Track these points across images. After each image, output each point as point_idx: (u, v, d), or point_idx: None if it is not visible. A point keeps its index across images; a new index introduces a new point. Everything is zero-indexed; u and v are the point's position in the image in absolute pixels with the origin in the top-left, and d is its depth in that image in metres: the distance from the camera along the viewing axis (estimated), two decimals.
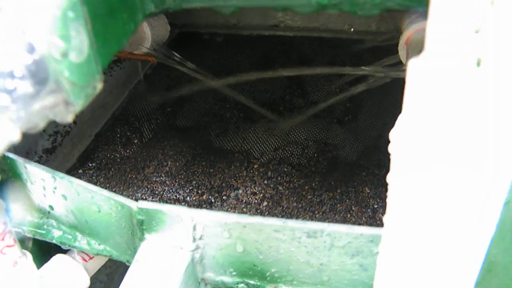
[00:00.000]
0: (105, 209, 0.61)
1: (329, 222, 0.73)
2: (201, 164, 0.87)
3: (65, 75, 0.33)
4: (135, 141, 0.96)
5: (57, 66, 0.32)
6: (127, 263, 0.65)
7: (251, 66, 1.16)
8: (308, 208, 0.77)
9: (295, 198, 0.79)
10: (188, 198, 0.80)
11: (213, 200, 0.80)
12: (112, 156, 0.92)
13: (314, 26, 1.27)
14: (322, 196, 0.79)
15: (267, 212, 0.77)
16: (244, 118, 1.00)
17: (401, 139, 0.33)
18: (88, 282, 0.73)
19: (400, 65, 0.84)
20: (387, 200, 0.37)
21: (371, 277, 0.53)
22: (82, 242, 0.69)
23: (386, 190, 0.37)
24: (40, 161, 0.91)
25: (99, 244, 0.68)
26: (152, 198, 0.81)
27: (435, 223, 0.35)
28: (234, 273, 0.59)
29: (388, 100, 1.01)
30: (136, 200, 0.58)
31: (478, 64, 0.28)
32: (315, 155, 0.89)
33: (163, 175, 0.85)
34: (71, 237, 0.70)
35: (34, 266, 0.62)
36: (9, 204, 0.72)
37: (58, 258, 0.72)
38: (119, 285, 0.56)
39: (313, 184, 0.81)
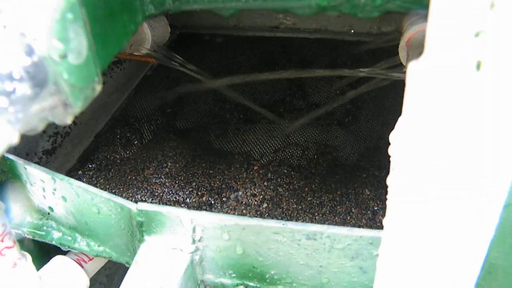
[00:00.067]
0: (105, 210, 0.61)
1: (329, 224, 0.73)
2: (201, 166, 0.87)
3: (64, 77, 0.33)
4: (135, 142, 0.96)
5: (56, 68, 0.32)
6: (126, 265, 0.65)
7: (251, 68, 1.16)
8: (308, 210, 0.77)
9: (295, 200, 0.79)
10: (187, 199, 0.80)
11: (213, 202, 0.80)
12: (112, 157, 0.92)
13: (314, 27, 1.27)
14: (322, 198, 0.79)
15: (267, 214, 0.77)
16: (244, 120, 1.00)
17: (401, 141, 0.33)
18: (87, 283, 0.73)
19: (400, 67, 0.84)
20: (387, 202, 0.37)
21: (371, 279, 0.53)
22: (81, 243, 0.69)
23: (386, 192, 0.37)
24: (40, 162, 0.91)
25: (99, 246, 0.67)
26: (152, 199, 0.81)
27: (435, 226, 0.35)
28: (234, 275, 0.59)
29: (388, 101, 1.01)
30: (136, 201, 0.58)
31: (478, 67, 0.28)
32: (315, 156, 0.89)
33: (163, 176, 0.85)
34: (70, 238, 0.70)
35: (33, 267, 0.62)
36: (9, 205, 0.72)
37: (57, 259, 0.72)
38: (119, 286, 0.56)
39: (313, 186, 0.81)
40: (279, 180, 0.83)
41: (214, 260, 0.58)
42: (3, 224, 0.57)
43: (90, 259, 0.74)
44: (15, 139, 0.32)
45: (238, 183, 0.83)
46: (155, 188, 0.83)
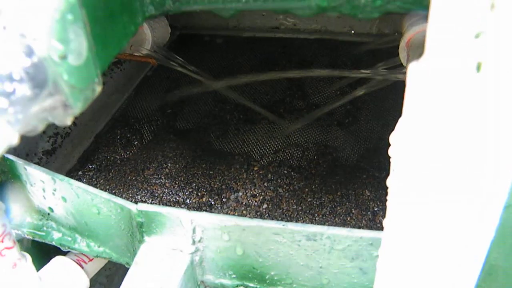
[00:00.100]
0: (105, 211, 0.61)
1: (329, 224, 0.73)
2: (201, 166, 0.87)
3: (64, 78, 0.33)
4: (135, 142, 0.96)
5: (56, 69, 0.32)
6: (126, 265, 0.65)
7: (251, 68, 1.16)
8: (308, 211, 0.77)
9: (295, 201, 0.79)
10: (187, 200, 0.80)
11: (213, 203, 0.80)
12: (112, 158, 0.92)
13: (314, 28, 1.27)
14: (322, 198, 0.79)
15: (267, 215, 0.77)
16: (244, 120, 1.00)
17: (401, 142, 0.33)
18: (87, 284, 0.73)
19: (400, 68, 0.84)
20: (387, 203, 0.37)
21: (371, 280, 0.53)
22: (81, 244, 0.69)
23: (387, 193, 0.37)
24: (40, 162, 0.91)
25: (99, 246, 0.67)
26: (152, 200, 0.81)
27: (435, 227, 0.35)
28: (234, 275, 0.59)
29: (389, 102, 1.01)
30: (136, 202, 0.58)
31: (478, 68, 0.28)
32: (315, 157, 0.89)
33: (163, 177, 0.85)
34: (70, 239, 0.70)
35: (33, 268, 0.62)
36: (9, 206, 0.72)
37: (57, 260, 0.72)
38: (119, 287, 0.56)
39: (313, 187, 0.81)
40: (279, 180, 0.83)
41: (214, 260, 0.58)
42: (3, 225, 0.57)
43: (90, 260, 0.74)
44: (15, 140, 0.32)
45: (238, 183, 0.83)
46: (155, 189, 0.83)
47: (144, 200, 0.81)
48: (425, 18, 0.71)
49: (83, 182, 0.62)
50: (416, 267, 0.38)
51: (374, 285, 0.42)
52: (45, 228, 0.72)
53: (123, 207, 0.58)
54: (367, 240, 0.51)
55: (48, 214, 0.71)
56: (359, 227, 0.74)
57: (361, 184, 0.81)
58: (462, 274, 0.37)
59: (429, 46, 0.29)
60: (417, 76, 0.30)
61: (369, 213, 0.76)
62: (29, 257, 0.61)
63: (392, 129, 0.34)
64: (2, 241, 0.56)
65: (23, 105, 0.31)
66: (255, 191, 0.81)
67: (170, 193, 0.82)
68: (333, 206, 0.77)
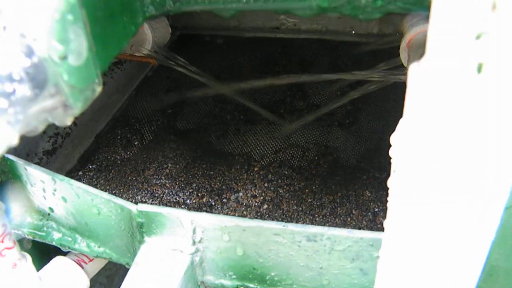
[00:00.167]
0: (105, 211, 0.61)
1: (329, 225, 0.73)
2: (201, 167, 0.87)
3: (64, 78, 0.33)
4: (136, 143, 0.95)
5: (56, 69, 0.32)
6: (126, 266, 0.64)
7: (252, 68, 1.16)
8: (308, 212, 0.77)
9: (295, 201, 0.78)
10: (188, 201, 0.80)
11: (213, 203, 0.79)
12: (112, 158, 0.92)
13: (315, 28, 1.27)
14: (322, 199, 0.79)
15: (267, 215, 0.77)
16: (244, 121, 0.99)
17: (402, 143, 0.33)
18: (88, 284, 0.73)
19: (401, 68, 0.84)
20: (388, 204, 0.37)
21: (372, 281, 0.53)
22: (81, 244, 0.69)
23: (387, 193, 0.37)
24: (40, 162, 0.91)
25: (99, 247, 0.67)
26: (152, 200, 0.81)
27: (436, 228, 0.35)
28: (234, 276, 0.59)
29: (389, 103, 1.01)
30: (136, 202, 0.58)
31: (480, 69, 0.28)
32: (316, 158, 0.88)
33: (163, 177, 0.85)
34: (70, 239, 0.70)
35: (33, 268, 0.62)
36: (9, 206, 0.72)
37: (57, 260, 0.72)
38: (119, 287, 0.56)
39: (314, 187, 0.81)
40: (279, 181, 0.82)
41: (214, 261, 0.58)
42: (3, 225, 0.57)
43: (90, 260, 0.74)
44: (15, 140, 0.32)
45: (239, 184, 0.82)
46: (155, 189, 0.83)
47: (144, 200, 0.81)
48: (426, 18, 0.71)
49: (83, 183, 0.62)
50: (416, 268, 0.38)
51: (375, 286, 0.42)
52: (45, 228, 0.72)
53: (123, 208, 0.58)
54: (368, 241, 0.51)
55: (48, 214, 0.71)
56: (360, 228, 0.73)
57: (361, 185, 0.81)
58: (462, 275, 0.37)
59: (430, 47, 0.29)
60: (418, 77, 0.30)
61: (369, 214, 0.75)
62: (29, 257, 0.61)
63: (393, 130, 0.34)
64: (2, 241, 0.56)
65: (23, 105, 0.31)
66: (255, 192, 0.81)
67: (170, 193, 0.82)
68: (334, 206, 0.77)
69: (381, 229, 0.63)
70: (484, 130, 0.30)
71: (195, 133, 0.97)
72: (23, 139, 0.35)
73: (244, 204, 0.79)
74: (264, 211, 0.77)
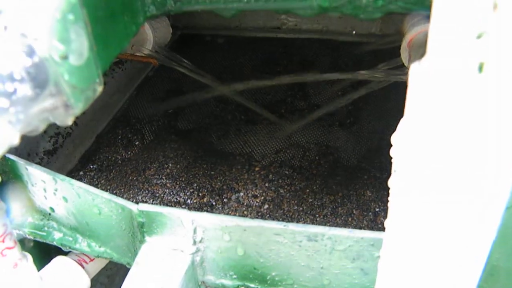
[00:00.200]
0: (106, 211, 0.61)
1: (330, 225, 0.73)
2: (202, 167, 0.87)
3: (65, 78, 0.33)
4: (136, 143, 0.95)
5: (57, 69, 0.32)
6: (127, 266, 0.64)
7: (252, 68, 1.16)
8: (309, 212, 0.77)
9: (296, 201, 0.78)
10: (188, 200, 0.80)
11: (214, 203, 0.79)
12: (113, 158, 0.92)
13: (316, 28, 1.27)
14: (323, 199, 0.79)
15: (268, 215, 0.77)
16: (245, 121, 0.99)
17: (403, 143, 0.33)
18: (88, 284, 0.73)
19: (402, 68, 0.84)
20: (389, 204, 0.37)
21: (372, 281, 0.53)
22: (82, 244, 0.69)
23: (388, 193, 0.37)
24: (41, 162, 0.91)
25: (100, 246, 0.67)
26: (153, 200, 0.81)
27: (436, 227, 0.35)
28: (235, 276, 0.59)
29: (390, 102, 1.00)
30: (137, 202, 0.58)
31: (481, 69, 0.28)
32: (317, 158, 0.88)
33: (164, 177, 0.85)
34: (71, 239, 0.70)
35: (34, 268, 0.62)
36: (10, 206, 0.72)
37: (58, 260, 0.72)
38: (120, 287, 0.56)
39: (314, 187, 0.81)
40: (280, 181, 0.82)
41: (215, 261, 0.58)
42: (4, 225, 0.57)
43: (91, 260, 0.74)
44: (15, 140, 0.32)
45: (239, 184, 0.82)
46: (156, 189, 0.83)
47: (145, 200, 0.81)
48: (427, 18, 0.71)
49: (84, 182, 0.62)
50: (417, 267, 0.38)
51: (376, 285, 0.42)
52: (46, 228, 0.72)
53: (124, 207, 0.58)
54: (368, 240, 0.51)
55: (49, 214, 0.71)
56: (360, 228, 0.73)
57: (362, 185, 0.81)
58: (463, 274, 0.37)
59: (430, 47, 0.29)
60: (418, 76, 0.30)
61: (370, 213, 0.75)
62: (30, 257, 0.61)
63: (394, 130, 0.34)
64: (3, 241, 0.56)
65: (24, 105, 0.31)
66: (256, 192, 0.81)
67: (171, 193, 0.82)
68: (334, 206, 0.77)
69: (382, 229, 0.63)
70: (485, 129, 0.29)
71: (196, 133, 0.97)
72: (24, 139, 0.35)
73: (245, 204, 0.79)
74: (265, 211, 0.77)
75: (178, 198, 0.81)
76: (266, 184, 0.82)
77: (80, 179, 0.86)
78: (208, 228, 0.55)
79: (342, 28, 1.24)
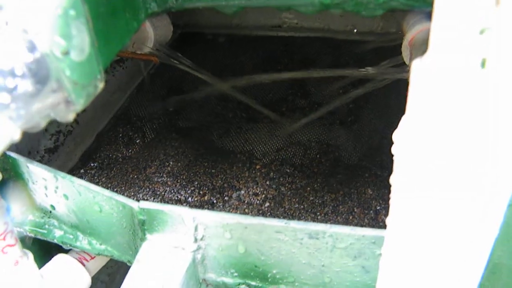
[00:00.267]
0: (107, 209, 0.61)
1: (331, 223, 0.73)
2: (203, 165, 0.87)
3: (66, 73, 0.33)
4: (137, 141, 0.95)
5: (58, 65, 0.32)
6: (128, 263, 0.64)
7: (253, 67, 1.16)
8: (310, 210, 0.77)
9: (297, 199, 0.78)
10: (189, 198, 0.80)
11: (215, 201, 0.79)
12: (114, 156, 0.92)
13: (317, 26, 1.26)
14: (324, 197, 0.79)
15: (269, 213, 0.77)
16: (246, 119, 0.99)
17: (404, 140, 0.33)
18: (89, 282, 0.73)
19: (403, 66, 0.84)
20: (390, 201, 0.37)
21: (374, 279, 0.53)
22: (83, 242, 0.69)
23: (389, 191, 0.37)
24: (42, 160, 0.91)
25: (101, 244, 0.67)
26: (154, 198, 0.81)
27: (438, 225, 0.35)
28: (236, 274, 0.59)
29: (391, 101, 1.00)
30: (138, 200, 0.58)
31: (483, 64, 0.28)
32: (318, 156, 0.88)
33: (164, 175, 0.85)
34: (72, 237, 0.70)
35: (35, 265, 0.62)
36: (11, 204, 0.72)
37: (59, 258, 0.72)
38: (120, 285, 0.56)
39: (315, 186, 0.81)
40: (281, 179, 0.82)
41: (216, 259, 0.58)
42: (4, 222, 0.57)
43: (92, 258, 0.74)
44: (17, 136, 0.32)
45: (240, 182, 0.82)
46: (157, 187, 0.83)
47: (146, 198, 0.81)
48: (428, 16, 0.71)
49: (85, 180, 0.62)
50: (419, 265, 0.38)
51: (377, 283, 0.42)
52: (47, 226, 0.72)
53: (125, 205, 0.58)
54: (370, 238, 0.50)
55: (50, 212, 0.71)
56: (361, 226, 0.73)
57: (363, 183, 0.81)
58: (466, 272, 0.37)
59: (433, 42, 0.29)
60: (421, 72, 0.30)
61: (371, 212, 0.75)
62: (31, 255, 0.61)
63: (395, 128, 0.34)
64: (4, 239, 0.56)
65: (25, 101, 0.31)
66: (257, 190, 0.80)
67: (172, 191, 0.82)
68: (335, 205, 0.77)
69: (383, 227, 0.63)
70: (487, 126, 0.29)
71: (197, 131, 0.97)
72: (25, 136, 0.35)
73: (245, 202, 0.79)
74: (266, 209, 0.77)
75: (179, 196, 0.81)
76: (267, 182, 0.82)
77: (81, 177, 0.86)
78: (209, 225, 0.55)
79: (343, 26, 1.24)
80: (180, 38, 1.31)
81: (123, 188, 0.83)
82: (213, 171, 0.85)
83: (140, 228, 0.58)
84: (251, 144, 0.92)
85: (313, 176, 0.83)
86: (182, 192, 0.81)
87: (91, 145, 0.97)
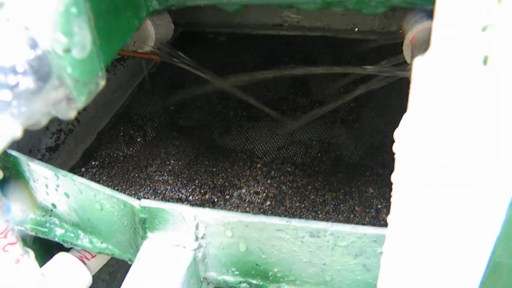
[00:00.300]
0: (108, 207, 0.61)
1: (332, 222, 0.73)
2: (204, 163, 0.87)
3: (68, 71, 0.33)
4: (138, 139, 0.95)
5: (60, 62, 0.32)
6: (129, 262, 0.64)
7: (254, 65, 1.16)
8: (311, 208, 0.77)
9: (298, 198, 0.78)
10: (190, 197, 0.80)
11: (215, 200, 0.79)
12: (115, 155, 0.92)
13: (318, 25, 1.26)
14: (325, 196, 0.79)
15: (270, 212, 0.77)
16: (247, 117, 0.99)
17: (406, 137, 0.33)
18: (90, 281, 0.73)
19: (404, 65, 0.84)
20: (392, 199, 0.37)
21: (375, 277, 0.53)
22: (84, 240, 0.69)
23: (390, 190, 0.37)
24: (43, 159, 0.91)
25: (101, 243, 0.67)
26: (155, 197, 0.81)
27: (440, 223, 0.35)
28: (237, 272, 0.59)
29: (392, 99, 1.00)
30: (139, 198, 0.58)
31: (485, 61, 0.27)
32: (319, 154, 0.88)
33: (165, 174, 0.85)
34: (73, 235, 0.70)
35: (36, 264, 0.62)
36: (12, 202, 0.72)
37: (60, 256, 0.72)
38: (121, 283, 0.56)
39: (316, 184, 0.81)
40: (282, 178, 0.82)
41: (217, 257, 0.58)
42: (6, 221, 0.57)
43: (93, 256, 0.74)
44: (18, 133, 0.32)
45: (241, 181, 0.82)
46: (158, 186, 0.83)
47: (146, 196, 0.81)
48: (428, 16, 0.71)
49: (86, 179, 0.62)
50: (421, 263, 0.38)
51: (378, 282, 0.42)
52: (48, 224, 0.72)
53: (126, 203, 0.58)
54: (371, 236, 0.50)
55: (51, 210, 0.71)
56: (363, 225, 0.73)
57: (364, 182, 0.81)
58: (467, 270, 0.37)
59: (435, 40, 0.29)
60: (423, 70, 0.30)
61: (372, 210, 0.75)
62: (32, 253, 0.61)
63: (396, 126, 0.34)
64: (5, 237, 0.56)
65: (26, 98, 0.31)
66: (258, 188, 0.80)
67: (173, 190, 0.82)
68: (337, 203, 0.77)
69: (384, 225, 0.63)
70: (490, 123, 0.29)
71: (198, 130, 0.97)
72: (26, 135, 0.35)
73: (247, 200, 0.79)
74: (267, 207, 0.77)
75: (180, 195, 0.81)
76: (268, 181, 0.82)
77: (82, 176, 0.86)
78: (210, 224, 0.55)
79: (344, 25, 1.24)
80: (181, 37, 1.31)
81: (124, 186, 0.83)
82: (214, 169, 0.85)
83: (141, 226, 0.58)
84: (252, 143, 0.92)
85: (314, 175, 0.83)
86: (183, 191, 0.81)
87: (92, 143, 0.97)
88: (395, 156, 0.35)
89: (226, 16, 1.28)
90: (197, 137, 0.94)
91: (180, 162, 0.87)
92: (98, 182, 0.85)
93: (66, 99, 0.33)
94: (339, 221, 0.74)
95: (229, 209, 0.78)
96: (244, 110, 1.01)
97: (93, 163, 0.91)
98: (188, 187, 0.82)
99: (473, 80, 0.28)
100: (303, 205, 0.77)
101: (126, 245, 0.64)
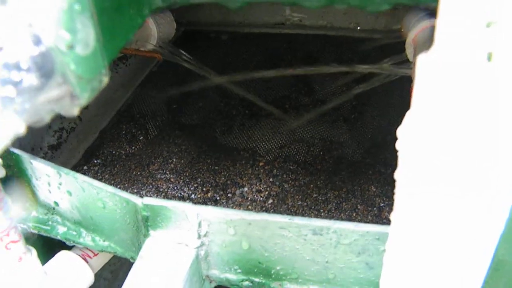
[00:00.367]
0: (110, 205, 0.61)
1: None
2: (206, 162, 0.87)
3: (71, 68, 0.33)
4: (140, 138, 0.95)
5: (63, 59, 0.32)
6: (131, 260, 0.65)
7: (256, 64, 1.16)
8: (313, 207, 0.77)
9: (300, 196, 0.78)
10: (193, 195, 0.80)
11: (218, 198, 0.79)
12: (117, 153, 0.92)
13: (320, 24, 1.26)
14: (327, 194, 0.79)
15: (272, 210, 0.77)
16: (249, 116, 0.99)
17: (409, 135, 0.33)
18: (92, 279, 0.73)
19: (407, 63, 0.84)
20: (395, 197, 0.37)
21: (377, 275, 0.53)
22: (86, 238, 0.69)
23: (393, 188, 0.37)
24: (45, 157, 0.91)
25: (104, 241, 0.67)
26: (157, 195, 0.81)
27: (443, 220, 0.35)
28: (239, 270, 0.59)
29: (394, 97, 1.00)
30: (141, 197, 0.58)
31: (489, 58, 0.27)
32: (321, 153, 0.88)
33: (168, 172, 0.85)
34: (75, 233, 0.70)
35: (38, 262, 0.62)
36: (14, 200, 0.72)
37: (62, 254, 0.72)
38: (123, 282, 0.56)
39: (319, 183, 0.81)
40: (284, 176, 0.82)
41: (219, 255, 0.58)
42: (8, 219, 0.57)
43: (95, 255, 0.74)
44: (21, 130, 0.32)
45: (244, 179, 0.82)
46: (160, 184, 0.83)
47: (149, 195, 0.81)
48: (430, 14, 0.71)
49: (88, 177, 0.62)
50: (424, 261, 0.38)
51: (381, 280, 0.42)
52: (50, 223, 0.72)
53: (129, 201, 0.58)
54: (374, 234, 0.50)
55: (53, 208, 0.71)
56: (365, 223, 0.73)
57: (367, 180, 0.81)
58: (470, 268, 0.37)
59: (438, 37, 0.28)
60: (426, 67, 0.30)
61: (375, 208, 0.75)
62: (34, 251, 0.61)
63: (398, 125, 0.34)
64: (8, 235, 0.56)
65: (30, 94, 0.31)
66: (260, 187, 0.80)
67: (175, 188, 0.82)
68: (339, 201, 0.77)
69: (387, 223, 0.63)
70: (494, 120, 0.29)
71: (200, 128, 0.97)
72: (28, 133, 0.35)
73: (249, 199, 0.79)
74: (269, 206, 0.77)
75: (182, 193, 0.81)
76: (271, 179, 0.82)
77: (84, 174, 0.86)
78: (212, 221, 0.55)
79: (346, 23, 1.24)
80: (183, 36, 1.31)
81: (126, 185, 0.84)
82: (216, 168, 0.85)
83: (144, 224, 0.58)
84: (254, 141, 0.92)
85: (317, 173, 0.83)
86: (185, 189, 0.81)
87: (94, 142, 0.97)
88: (398, 154, 0.35)
89: (228, 15, 1.28)
90: (199, 136, 0.94)
91: (182, 161, 0.87)
92: (100, 180, 0.85)
93: (70, 96, 0.33)
94: (342, 219, 0.74)
95: (231, 207, 0.78)
96: (246, 109, 1.01)
97: (95, 161, 0.91)
98: (190, 185, 0.82)
99: (477, 77, 0.28)
100: (305, 204, 0.77)
101: (129, 243, 0.65)
